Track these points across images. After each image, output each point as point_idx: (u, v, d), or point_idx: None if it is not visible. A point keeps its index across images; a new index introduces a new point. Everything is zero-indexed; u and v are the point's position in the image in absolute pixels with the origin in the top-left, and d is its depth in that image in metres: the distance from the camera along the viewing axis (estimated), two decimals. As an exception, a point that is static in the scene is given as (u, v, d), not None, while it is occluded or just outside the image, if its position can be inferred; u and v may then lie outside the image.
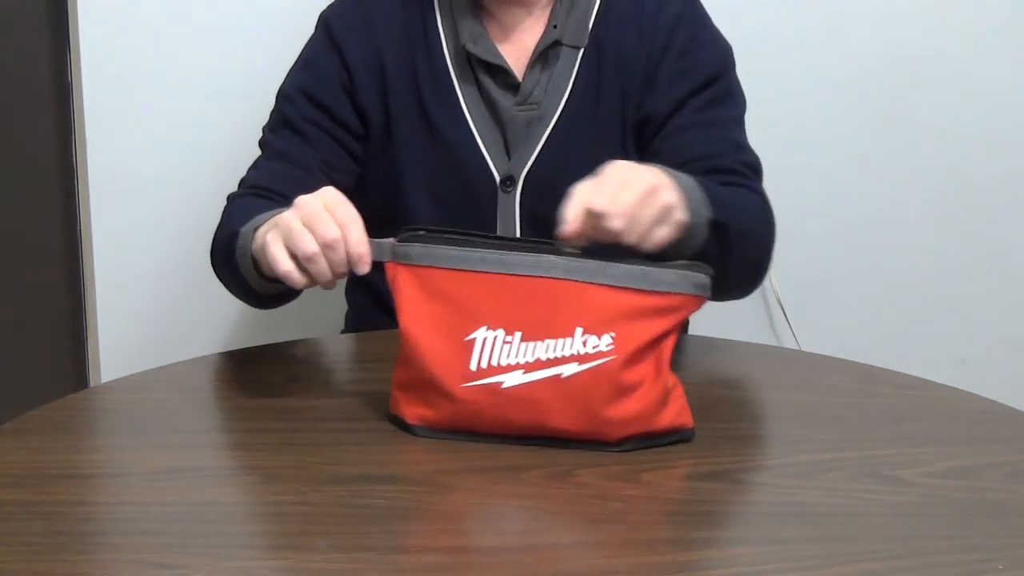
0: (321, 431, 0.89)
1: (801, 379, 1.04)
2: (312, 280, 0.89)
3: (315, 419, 0.91)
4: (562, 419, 0.83)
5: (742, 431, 0.92)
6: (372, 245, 0.87)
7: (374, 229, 0.90)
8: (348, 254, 0.86)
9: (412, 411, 0.87)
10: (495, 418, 0.84)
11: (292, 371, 1.01)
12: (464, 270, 0.84)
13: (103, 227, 1.62)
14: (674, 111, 1.15)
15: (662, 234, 0.89)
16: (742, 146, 1.17)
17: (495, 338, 0.83)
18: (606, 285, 0.83)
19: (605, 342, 0.82)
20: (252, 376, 1.00)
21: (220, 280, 1.12)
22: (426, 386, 0.85)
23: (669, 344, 0.85)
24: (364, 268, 0.87)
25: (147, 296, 1.65)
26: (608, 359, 0.82)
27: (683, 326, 0.90)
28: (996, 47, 1.79)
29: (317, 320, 1.68)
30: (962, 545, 0.73)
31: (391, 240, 0.87)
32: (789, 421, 0.94)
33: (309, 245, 0.86)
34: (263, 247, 0.92)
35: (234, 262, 1.03)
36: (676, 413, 0.86)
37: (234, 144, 1.61)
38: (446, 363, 0.84)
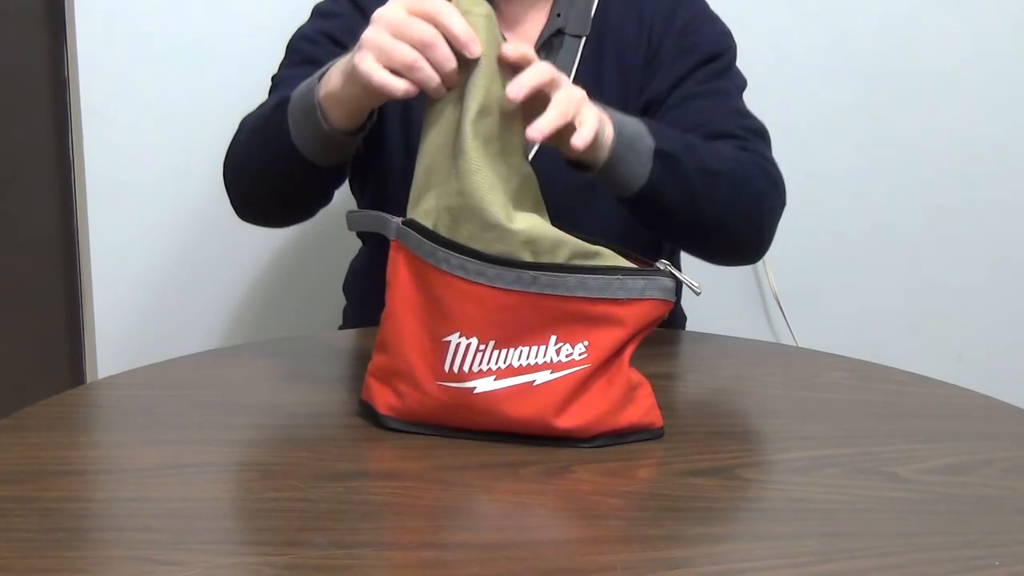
0: (318, 427, 0.89)
1: (798, 376, 1.04)
2: (417, 85, 0.83)
3: (312, 415, 0.91)
4: (530, 424, 0.84)
5: (739, 427, 0.92)
6: (380, 219, 0.87)
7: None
8: (455, 40, 0.81)
9: (384, 401, 0.87)
10: (464, 418, 0.85)
11: (289, 367, 1.01)
12: (446, 272, 0.83)
13: (100, 224, 1.62)
14: (675, 86, 1.16)
15: (590, 121, 0.86)
16: (743, 112, 1.17)
17: (468, 345, 0.83)
18: (581, 298, 0.82)
19: (579, 351, 0.83)
20: (249, 372, 1.00)
21: (245, 182, 1.09)
22: (401, 376, 0.85)
23: (632, 348, 0.85)
24: (476, 49, 0.81)
25: (144, 292, 1.65)
26: (581, 367, 0.83)
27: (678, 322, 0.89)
28: (995, 47, 1.79)
29: (314, 316, 1.68)
30: (959, 541, 0.73)
31: (398, 219, 0.86)
32: (786, 417, 0.94)
33: (406, 53, 0.81)
34: (345, 78, 0.88)
35: (284, 135, 0.98)
36: (644, 412, 0.86)
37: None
38: (425, 357, 0.84)
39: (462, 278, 0.82)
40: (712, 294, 1.75)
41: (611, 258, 0.85)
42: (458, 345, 0.83)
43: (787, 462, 0.85)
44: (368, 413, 0.88)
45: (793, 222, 1.79)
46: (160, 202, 1.62)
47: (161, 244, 1.64)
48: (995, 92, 1.79)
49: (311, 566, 0.67)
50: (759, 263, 1.80)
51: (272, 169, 1.05)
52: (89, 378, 1.68)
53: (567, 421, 0.84)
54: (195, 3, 1.57)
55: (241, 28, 1.57)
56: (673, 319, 1.32)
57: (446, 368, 0.83)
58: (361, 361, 1.09)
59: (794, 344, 1.76)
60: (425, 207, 0.85)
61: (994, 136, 1.81)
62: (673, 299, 0.86)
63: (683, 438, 0.88)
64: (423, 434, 0.86)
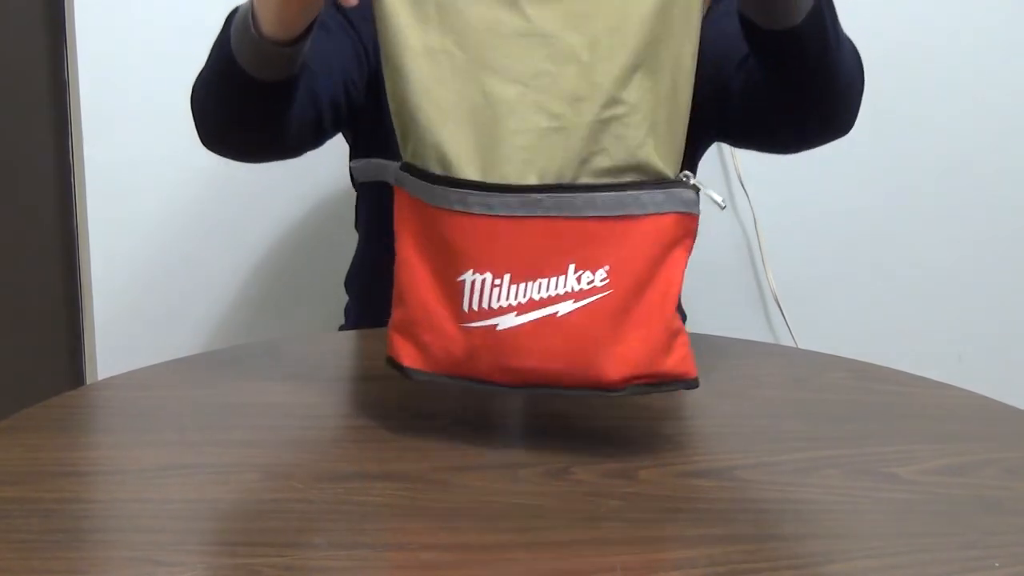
0: (318, 428, 0.89)
1: (798, 376, 1.04)
2: None
3: (312, 416, 0.91)
4: (561, 361, 0.80)
5: (738, 428, 0.92)
6: (380, 165, 0.85)
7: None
8: None
9: (408, 353, 0.84)
10: (492, 363, 0.81)
11: (289, 368, 1.01)
12: (447, 209, 0.80)
13: (100, 224, 1.62)
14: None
15: None
16: None
17: (483, 281, 0.80)
18: (595, 217, 0.79)
19: (600, 276, 0.79)
20: (249, 373, 1.00)
21: (198, 101, 1.08)
22: (422, 325, 0.83)
23: (671, 280, 0.81)
24: None
25: (144, 293, 1.65)
26: (604, 294, 0.79)
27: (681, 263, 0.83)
28: (993, 45, 1.79)
29: (315, 317, 1.68)
30: (958, 542, 0.73)
31: (398, 164, 0.85)
32: (786, 418, 0.94)
33: None
34: None
35: (224, 43, 0.98)
36: (680, 360, 0.82)
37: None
38: (443, 301, 0.82)
39: (464, 212, 0.79)
40: (712, 294, 1.75)
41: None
42: (473, 282, 0.80)
43: (786, 463, 0.85)
44: (396, 368, 0.86)
45: (793, 222, 1.80)
46: (160, 202, 1.62)
47: (161, 244, 1.64)
48: (995, 92, 1.79)
49: (311, 567, 0.67)
50: (759, 263, 1.80)
51: (216, 82, 1.04)
52: (89, 379, 1.68)
53: (602, 361, 0.80)
54: (195, 3, 1.56)
55: (241, 29, 1.57)
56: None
57: (465, 308, 0.80)
58: (360, 363, 1.09)
59: (794, 344, 1.76)
60: (408, 148, 0.83)
61: (994, 137, 1.81)
62: (698, 212, 0.81)
63: (682, 439, 0.88)
64: (451, 384, 0.83)
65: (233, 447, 0.85)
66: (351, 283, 1.35)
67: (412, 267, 0.83)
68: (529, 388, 0.82)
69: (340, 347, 1.14)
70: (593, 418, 0.90)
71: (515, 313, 0.80)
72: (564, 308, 0.80)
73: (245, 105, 1.04)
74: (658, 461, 0.84)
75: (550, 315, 0.80)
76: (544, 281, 0.79)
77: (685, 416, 0.94)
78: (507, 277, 0.80)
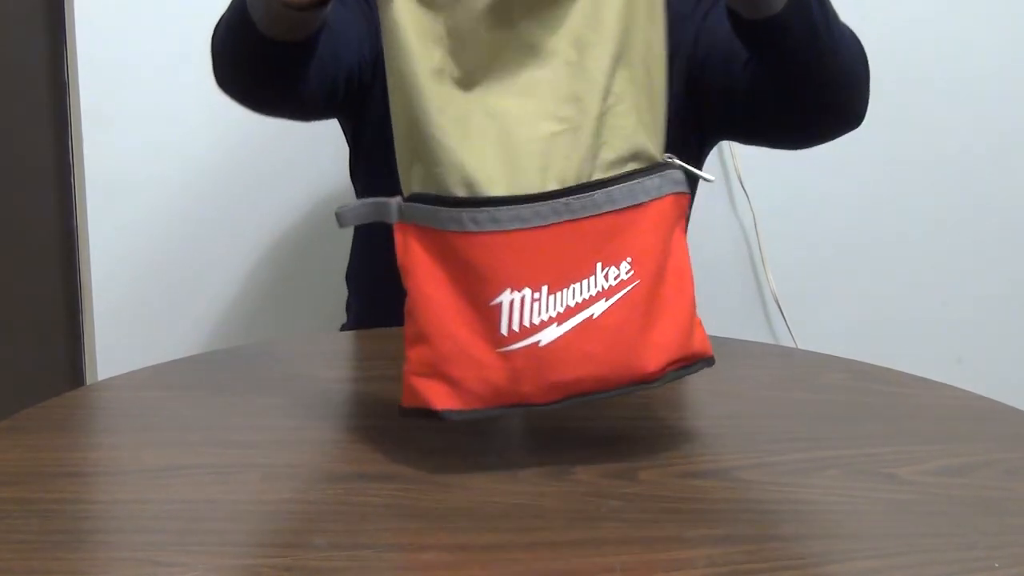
0: (318, 429, 0.89)
1: (798, 377, 1.04)
2: None
3: (313, 417, 0.91)
4: (604, 364, 0.79)
5: (738, 429, 0.92)
6: (378, 205, 0.81)
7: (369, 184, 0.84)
8: None
9: (439, 395, 0.79)
10: (536, 383, 0.79)
11: (289, 368, 1.01)
12: (474, 232, 0.78)
13: (99, 225, 1.62)
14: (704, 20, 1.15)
15: None
16: None
17: (522, 299, 0.78)
18: (613, 212, 0.79)
19: (624, 269, 0.79)
20: (249, 373, 1.00)
21: (217, 43, 1.06)
22: (453, 360, 0.79)
23: (682, 260, 0.82)
24: None
25: (143, 293, 1.65)
26: (632, 285, 0.79)
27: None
28: (994, 46, 1.79)
29: (316, 316, 1.68)
30: (958, 543, 0.73)
31: (398, 198, 0.81)
32: (786, 419, 0.94)
33: None
34: None
35: (242, 5, 0.97)
36: (701, 339, 0.83)
37: (231, 141, 1.61)
38: (475, 329, 0.79)
39: (496, 231, 0.78)
40: (711, 294, 1.75)
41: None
42: (511, 302, 0.78)
43: (786, 463, 0.85)
44: (419, 417, 0.81)
45: (793, 222, 1.80)
46: (160, 202, 1.62)
47: (161, 245, 1.64)
48: (996, 93, 1.80)
49: (311, 568, 0.67)
50: (759, 263, 1.80)
51: (231, 32, 1.03)
52: (89, 379, 1.68)
53: (640, 353, 0.80)
54: (195, 4, 1.57)
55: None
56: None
57: (504, 331, 0.78)
58: (361, 362, 1.09)
59: (793, 345, 1.76)
60: (418, 173, 0.80)
61: (993, 139, 1.81)
62: (688, 190, 0.82)
63: (682, 439, 0.88)
64: (491, 417, 0.81)
65: (233, 447, 0.85)
66: (352, 278, 1.34)
67: (433, 303, 0.80)
68: (571, 399, 0.81)
69: (340, 347, 1.14)
70: (593, 418, 0.90)
71: (556, 324, 0.78)
72: (598, 309, 0.79)
73: (256, 60, 1.02)
74: (658, 461, 0.84)
75: (587, 319, 0.79)
76: (577, 286, 0.79)
77: (685, 416, 0.94)
78: (545, 289, 0.78)
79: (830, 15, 1.03)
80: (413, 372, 0.81)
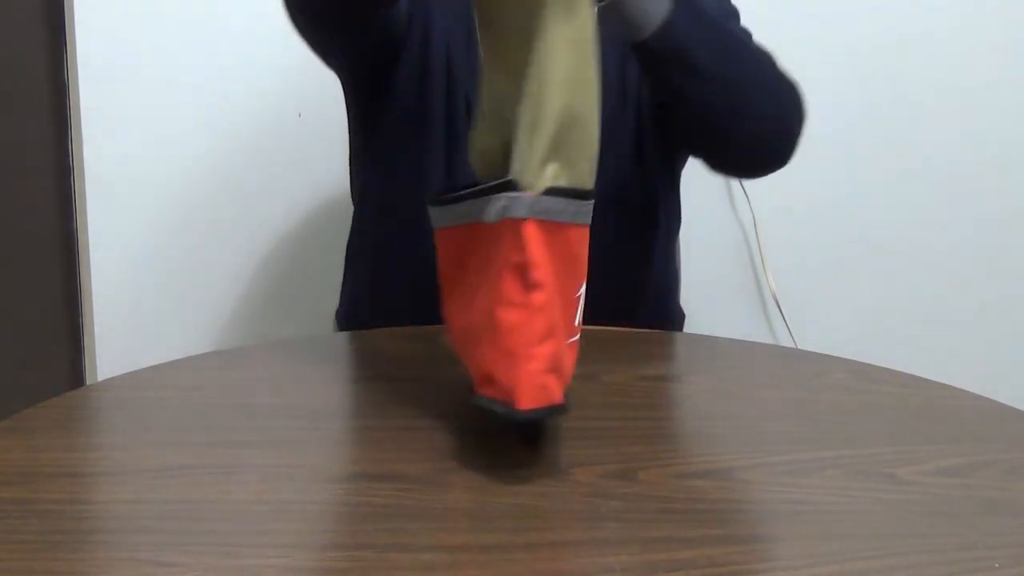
0: (318, 429, 0.89)
1: (797, 377, 1.04)
2: None
3: (312, 416, 0.91)
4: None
5: (737, 429, 0.92)
6: (492, 200, 0.77)
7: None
8: None
9: (557, 389, 0.78)
10: (571, 375, 0.81)
11: (289, 369, 1.01)
12: (585, 224, 0.78)
13: (99, 224, 1.62)
14: None
15: None
16: (748, 34, 1.14)
17: (584, 290, 0.80)
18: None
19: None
20: (249, 374, 1.00)
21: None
22: (563, 353, 0.79)
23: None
24: None
25: (143, 293, 1.65)
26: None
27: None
28: (995, 46, 1.79)
29: (316, 316, 1.68)
30: (958, 543, 0.73)
31: (530, 194, 0.77)
32: (785, 419, 0.94)
33: None
34: None
35: None
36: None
37: (231, 141, 1.61)
38: (559, 324, 0.79)
39: (586, 225, 0.79)
40: (711, 295, 1.75)
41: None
42: (580, 296, 0.80)
43: (786, 464, 0.85)
44: (551, 415, 0.80)
45: (793, 222, 1.80)
46: (160, 202, 1.62)
47: (161, 244, 1.64)
48: (995, 94, 1.80)
49: (311, 568, 0.67)
50: (758, 264, 1.80)
51: None
52: (89, 380, 1.68)
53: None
54: (195, 3, 1.57)
55: (240, 29, 1.57)
56: (671, 319, 1.32)
57: (577, 322, 0.80)
58: (360, 362, 1.09)
59: (793, 345, 1.76)
60: (551, 171, 0.78)
61: (992, 140, 1.81)
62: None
63: (682, 439, 0.88)
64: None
65: (233, 447, 0.85)
66: (355, 259, 1.31)
67: (555, 299, 0.78)
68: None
69: (340, 347, 1.14)
70: (593, 418, 0.90)
71: (579, 320, 0.81)
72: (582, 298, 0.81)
73: None
74: (658, 462, 0.84)
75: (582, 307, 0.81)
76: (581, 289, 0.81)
77: (685, 416, 0.94)
78: (584, 285, 0.81)
79: (723, 49, 0.99)
80: (543, 370, 0.78)
